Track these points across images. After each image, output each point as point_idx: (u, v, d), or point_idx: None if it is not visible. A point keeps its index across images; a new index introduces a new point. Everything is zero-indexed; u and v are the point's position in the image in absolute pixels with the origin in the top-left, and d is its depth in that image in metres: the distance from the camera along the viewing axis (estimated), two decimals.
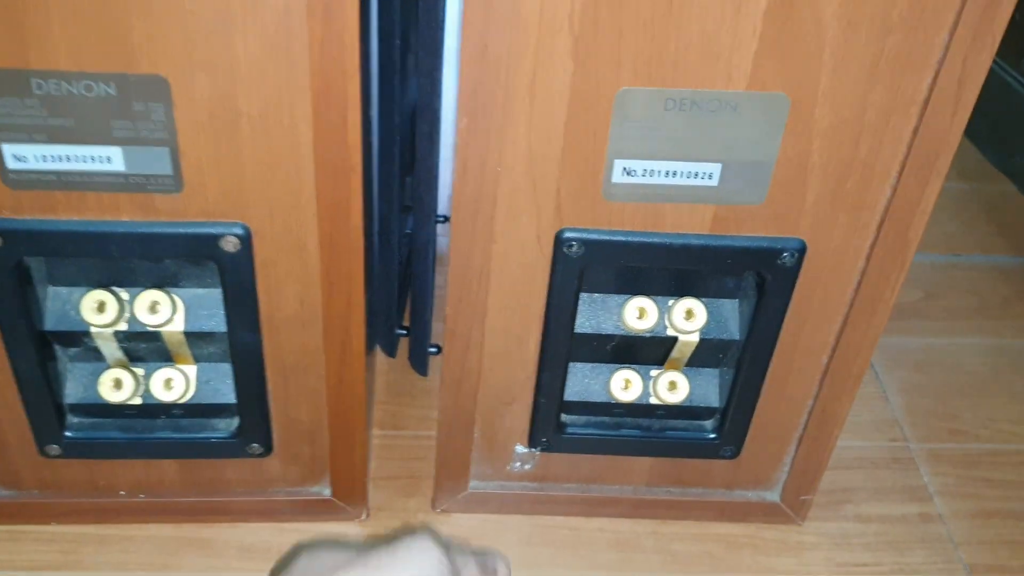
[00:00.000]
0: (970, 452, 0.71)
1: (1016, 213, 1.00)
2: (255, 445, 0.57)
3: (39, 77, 0.43)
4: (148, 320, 0.51)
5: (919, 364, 0.79)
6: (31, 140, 0.45)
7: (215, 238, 0.48)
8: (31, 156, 0.45)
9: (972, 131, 1.13)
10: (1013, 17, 0.45)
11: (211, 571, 0.58)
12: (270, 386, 0.55)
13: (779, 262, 0.52)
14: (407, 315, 0.74)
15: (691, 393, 0.58)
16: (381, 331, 0.71)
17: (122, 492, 0.60)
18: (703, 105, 0.46)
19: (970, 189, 1.01)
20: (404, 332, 0.74)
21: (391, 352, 0.74)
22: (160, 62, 0.43)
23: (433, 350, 0.73)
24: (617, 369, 0.58)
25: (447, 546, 0.44)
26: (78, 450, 0.57)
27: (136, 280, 0.52)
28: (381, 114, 0.58)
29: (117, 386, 0.54)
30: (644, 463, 0.62)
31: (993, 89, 1.06)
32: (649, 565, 0.61)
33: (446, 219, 0.70)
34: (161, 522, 0.61)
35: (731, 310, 0.57)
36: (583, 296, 0.55)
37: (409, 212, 0.71)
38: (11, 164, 0.45)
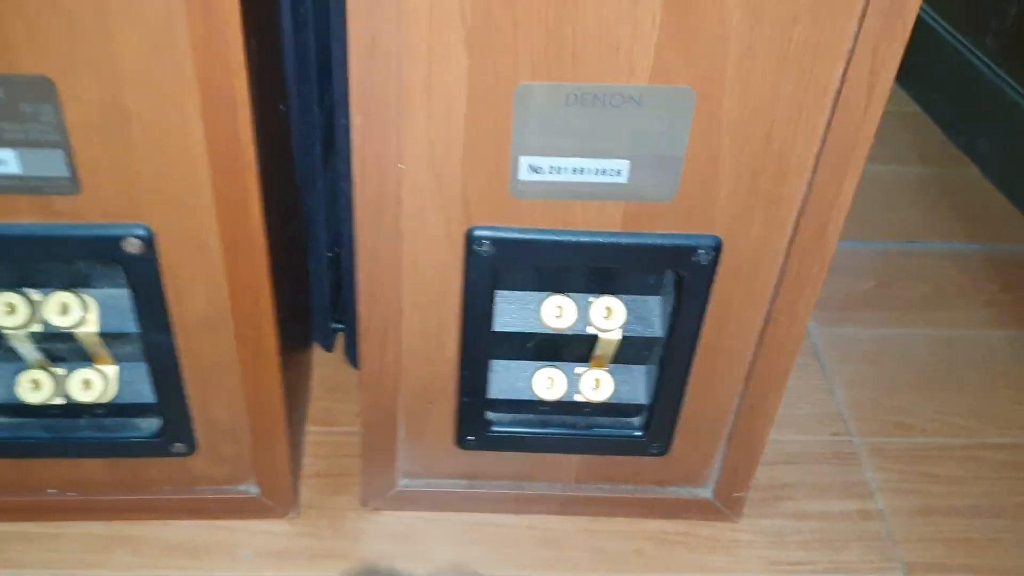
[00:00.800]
0: (916, 447, 0.70)
1: (978, 198, 0.98)
2: (178, 444, 0.57)
3: None
4: (59, 322, 0.51)
5: (868, 355, 0.77)
6: None
7: (116, 240, 0.48)
8: None
9: (936, 113, 1.12)
10: None
11: (139, 569, 0.58)
12: (188, 386, 0.55)
13: (694, 259, 0.51)
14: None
15: (616, 390, 0.57)
16: (318, 326, 0.71)
17: (51, 490, 0.60)
18: (606, 100, 0.45)
19: (931, 174, 0.99)
20: (340, 327, 0.73)
21: (328, 347, 0.73)
22: (43, 62, 0.42)
23: None
24: (540, 367, 0.57)
25: None
26: (3, 450, 0.57)
27: (48, 281, 0.52)
28: (299, 107, 0.57)
29: (36, 387, 0.54)
30: (573, 460, 0.62)
31: (957, 69, 1.03)
32: (579, 563, 0.61)
33: None
34: (90, 520, 0.60)
35: (654, 306, 0.56)
36: (501, 294, 0.54)
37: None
38: None
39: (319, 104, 0.58)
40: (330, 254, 0.66)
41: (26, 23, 0.41)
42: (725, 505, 0.63)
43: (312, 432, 0.68)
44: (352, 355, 0.72)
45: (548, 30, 0.43)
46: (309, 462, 0.65)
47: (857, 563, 0.61)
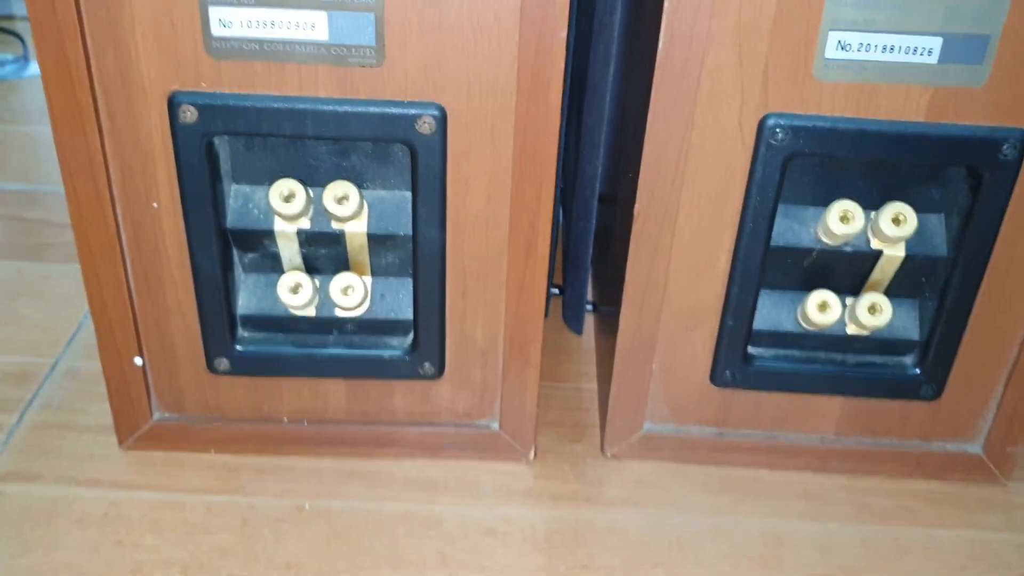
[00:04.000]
0: None
1: None
2: (427, 365, 0.55)
3: None
4: (335, 211, 0.50)
5: None
6: (238, 3, 0.45)
7: (412, 119, 0.47)
8: (237, 21, 0.45)
9: None
10: None
11: (378, 501, 0.55)
12: (448, 298, 0.53)
13: (999, 156, 0.48)
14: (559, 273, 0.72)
15: (893, 320, 0.54)
16: None
17: (285, 419, 0.58)
18: None
19: None
20: (557, 291, 0.72)
21: (544, 312, 0.71)
22: None
23: (589, 308, 0.70)
24: (814, 290, 0.54)
25: None
26: (247, 365, 0.55)
27: (321, 179, 0.52)
28: None
29: (295, 290, 0.53)
30: (834, 408, 0.58)
31: None
32: (843, 516, 0.56)
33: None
34: (323, 455, 0.58)
35: (936, 225, 0.53)
36: (779, 208, 0.51)
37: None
38: (216, 30, 0.45)
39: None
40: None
41: None
42: (995, 463, 0.58)
43: (541, 386, 0.65)
44: (572, 319, 0.70)
45: None
46: (541, 411, 0.62)
47: None
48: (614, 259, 0.60)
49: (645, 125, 0.48)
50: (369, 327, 0.55)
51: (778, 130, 0.48)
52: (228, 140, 0.50)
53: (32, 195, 0.88)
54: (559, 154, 0.49)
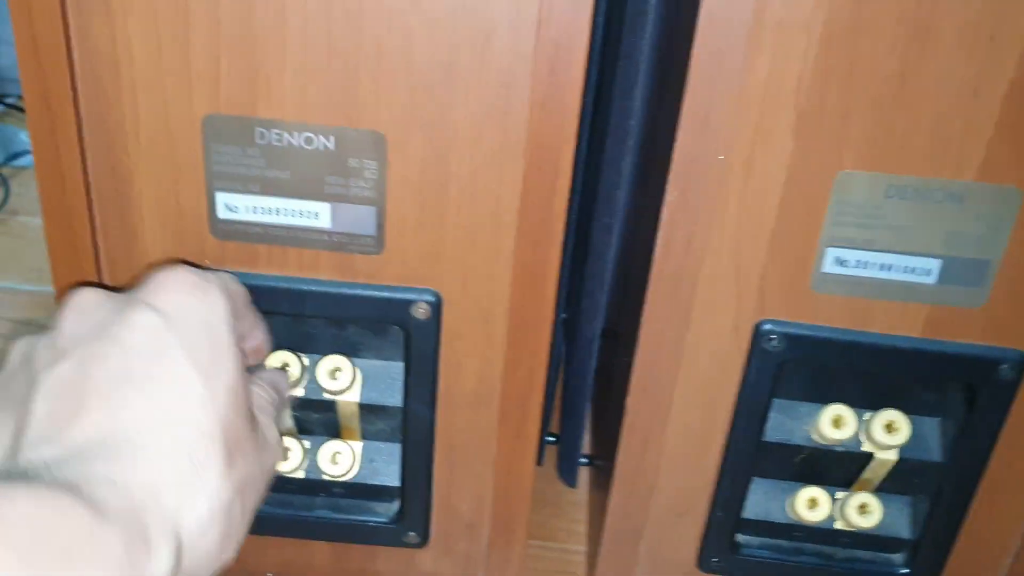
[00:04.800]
0: None
1: None
2: (412, 534, 0.55)
3: (263, 127, 0.44)
4: (328, 385, 0.50)
5: None
6: (246, 191, 0.46)
7: (407, 304, 0.48)
8: (243, 207, 0.46)
9: None
10: None
11: None
12: (435, 471, 0.53)
13: (996, 375, 0.48)
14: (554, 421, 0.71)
15: (883, 519, 0.53)
16: None
17: (270, 574, 0.57)
18: (927, 195, 0.44)
19: None
20: (552, 440, 0.71)
21: (538, 460, 0.71)
22: (381, 118, 0.43)
23: (584, 461, 0.70)
24: (803, 486, 0.53)
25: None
26: None
27: (316, 348, 0.52)
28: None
29: (284, 455, 0.53)
30: None
31: None
32: None
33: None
34: None
35: (931, 428, 0.52)
36: (773, 403, 0.51)
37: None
38: (222, 213, 0.46)
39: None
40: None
41: (374, 80, 0.42)
42: None
43: (528, 545, 0.65)
44: (566, 471, 0.70)
45: (879, 120, 0.42)
46: (526, 575, 0.62)
47: None
48: (609, 419, 0.60)
49: (640, 320, 0.48)
50: (356, 491, 0.55)
51: (772, 336, 0.48)
52: None
53: (49, 296, 0.89)
54: (559, 297, 0.49)
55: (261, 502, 0.40)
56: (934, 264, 0.46)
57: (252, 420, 0.39)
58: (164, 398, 0.35)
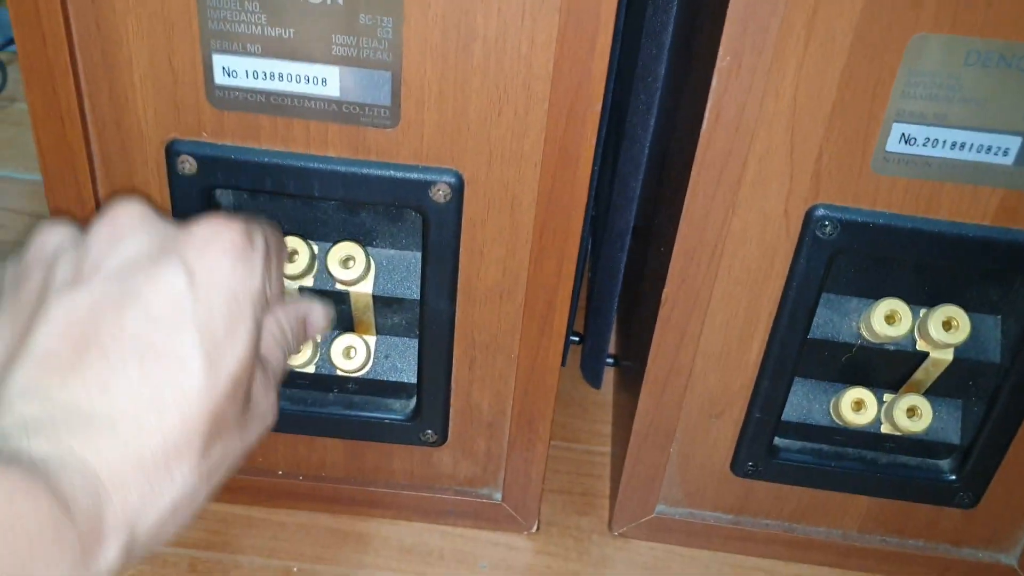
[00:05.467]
0: None
1: None
2: (429, 432, 0.52)
3: None
4: (340, 275, 0.46)
5: None
6: (244, 52, 0.41)
7: (426, 185, 0.43)
8: (242, 71, 0.41)
9: None
10: None
11: (371, 568, 0.52)
12: (455, 368, 0.50)
13: None
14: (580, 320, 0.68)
15: (931, 424, 0.50)
16: None
17: (280, 472, 0.55)
18: (1012, 62, 0.39)
19: None
20: (577, 339, 0.68)
21: (562, 360, 0.67)
22: None
23: (610, 361, 0.66)
24: (849, 387, 0.50)
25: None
26: None
27: (326, 234, 0.48)
28: None
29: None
30: (860, 504, 0.54)
31: None
32: None
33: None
34: (318, 510, 0.55)
35: (991, 328, 0.48)
36: (821, 297, 0.47)
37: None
38: (220, 79, 0.42)
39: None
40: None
41: None
42: None
43: (551, 446, 0.62)
44: (590, 372, 0.66)
45: None
46: (548, 476, 0.59)
47: None
48: (639, 316, 0.56)
49: (683, 200, 0.44)
50: (371, 387, 0.51)
51: (827, 223, 0.43)
52: (231, 191, 0.46)
53: None
54: (591, 186, 0.45)
55: (235, 469, 0.37)
56: (1014, 142, 0.41)
57: (247, 400, 0.36)
58: (160, 379, 0.33)
